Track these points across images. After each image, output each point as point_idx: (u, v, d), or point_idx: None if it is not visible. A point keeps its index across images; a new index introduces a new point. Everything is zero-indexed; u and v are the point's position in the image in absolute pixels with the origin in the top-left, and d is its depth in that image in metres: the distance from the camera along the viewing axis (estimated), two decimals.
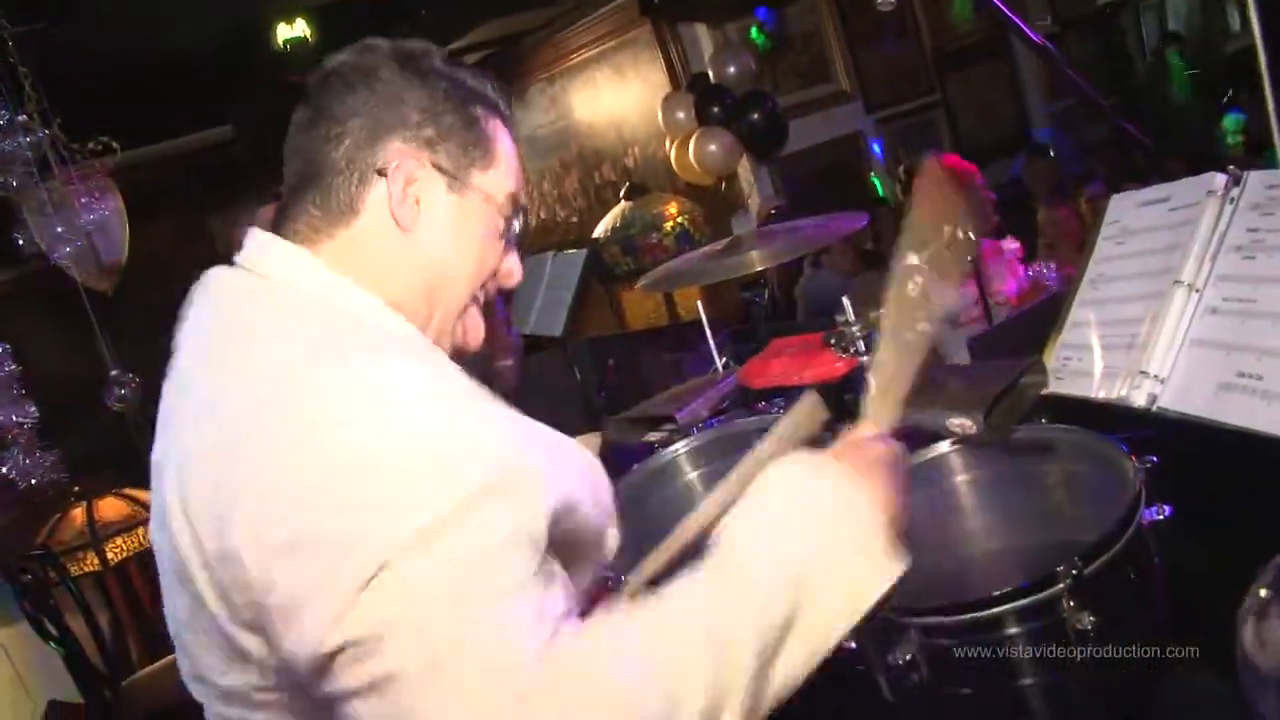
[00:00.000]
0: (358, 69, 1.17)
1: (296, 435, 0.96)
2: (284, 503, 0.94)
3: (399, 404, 0.98)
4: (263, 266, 1.15)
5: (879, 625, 1.39)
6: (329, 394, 0.98)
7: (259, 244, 1.17)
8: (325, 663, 0.92)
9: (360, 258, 1.16)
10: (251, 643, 1.01)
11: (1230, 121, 6.10)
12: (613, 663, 0.94)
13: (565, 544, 1.11)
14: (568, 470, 1.14)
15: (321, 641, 0.91)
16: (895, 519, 1.11)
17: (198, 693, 1.15)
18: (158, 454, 1.11)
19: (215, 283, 1.17)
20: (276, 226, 1.18)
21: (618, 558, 1.41)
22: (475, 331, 1.27)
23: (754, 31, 6.69)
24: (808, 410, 1.30)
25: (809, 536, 1.05)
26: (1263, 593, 0.98)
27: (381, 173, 1.14)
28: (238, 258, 1.17)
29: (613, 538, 1.28)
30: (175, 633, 1.14)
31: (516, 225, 1.25)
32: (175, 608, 1.11)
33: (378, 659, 0.89)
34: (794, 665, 1.02)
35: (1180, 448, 1.53)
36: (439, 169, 1.17)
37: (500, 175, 1.22)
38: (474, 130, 1.19)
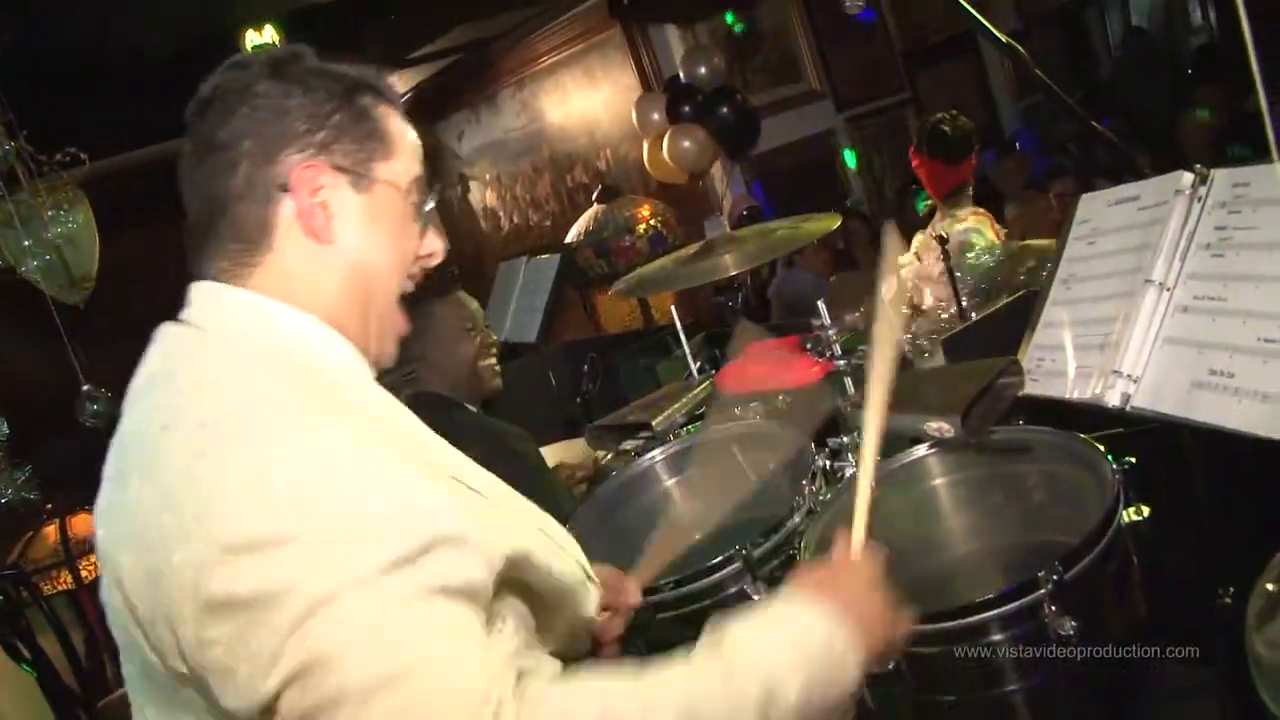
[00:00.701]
0: (232, 90, 1.13)
1: (229, 491, 0.95)
2: (215, 558, 0.93)
3: (335, 464, 0.98)
4: (201, 319, 1.14)
5: None
6: (264, 452, 0.97)
7: (200, 294, 1.15)
8: (268, 707, 0.92)
9: (288, 278, 1.14)
10: (197, 701, 1.01)
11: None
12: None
13: (527, 595, 1.14)
14: (515, 525, 1.15)
15: (257, 690, 0.91)
16: (880, 637, 1.17)
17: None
18: (101, 509, 1.10)
19: (162, 341, 1.15)
20: (200, 272, 1.16)
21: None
22: (403, 322, 1.26)
23: (729, 16, 6.71)
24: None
25: (797, 667, 1.08)
26: (1270, 588, 0.98)
27: (284, 188, 1.12)
28: (183, 313, 1.16)
29: (589, 593, 1.30)
30: (131, 693, 1.15)
31: (427, 203, 1.24)
32: (128, 672, 1.12)
33: (314, 688, 0.90)
34: None
35: (1155, 447, 1.54)
36: (339, 170, 1.14)
37: (402, 160, 1.20)
38: (365, 123, 1.16)
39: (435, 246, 1.27)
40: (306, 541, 0.92)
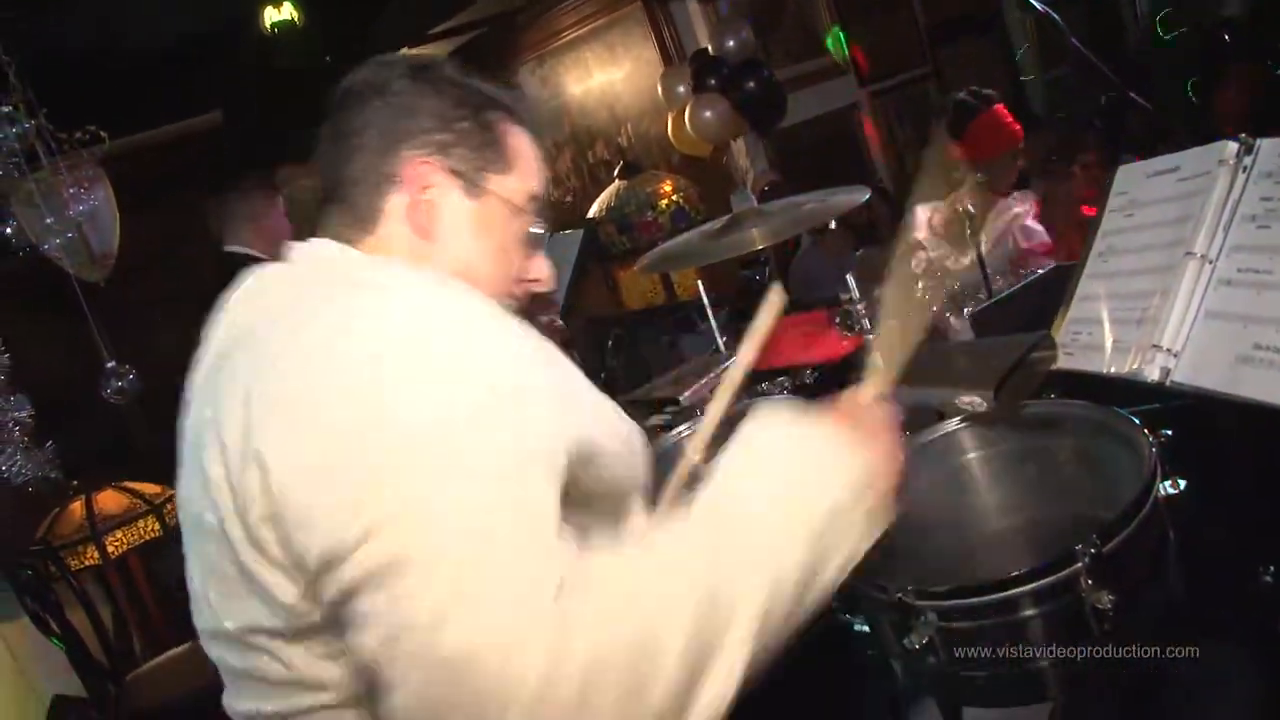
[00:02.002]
0: (371, 83, 1.20)
1: (324, 345, 0.99)
2: (307, 408, 0.95)
3: (440, 320, 1.01)
4: (295, 257, 1.19)
5: (894, 608, 1.37)
6: (357, 312, 1.01)
7: (298, 247, 1.21)
8: (337, 559, 0.91)
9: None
10: (270, 573, 1.00)
11: None
12: (635, 590, 0.93)
13: (587, 497, 1.11)
14: (599, 418, 1.14)
15: (336, 537, 0.91)
16: (891, 482, 1.14)
17: (215, 650, 1.14)
18: (199, 385, 1.14)
19: (254, 276, 1.19)
20: (306, 240, 1.22)
21: None
22: None
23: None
24: (775, 305, 1.35)
25: (815, 489, 1.06)
26: None
27: (397, 180, 1.18)
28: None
29: (638, 511, 1.26)
30: (197, 592, 1.14)
31: (536, 228, 1.26)
32: (198, 561, 1.12)
33: (384, 546, 0.88)
34: (779, 616, 1.00)
35: (1191, 422, 1.51)
36: (453, 173, 1.19)
37: (517, 178, 1.24)
38: (487, 134, 1.21)
39: (543, 273, 1.31)
40: (406, 391, 0.94)
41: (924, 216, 3.69)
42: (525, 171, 1.25)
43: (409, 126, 1.18)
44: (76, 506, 4.51)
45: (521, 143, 1.25)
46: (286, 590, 1.00)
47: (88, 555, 4.44)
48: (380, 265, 1.16)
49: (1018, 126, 3.66)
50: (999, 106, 3.68)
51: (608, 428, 1.15)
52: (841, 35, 6.88)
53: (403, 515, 0.89)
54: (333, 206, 1.21)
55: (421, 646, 0.85)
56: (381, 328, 0.99)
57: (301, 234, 1.24)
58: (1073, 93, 7.21)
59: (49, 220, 4.38)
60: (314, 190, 1.25)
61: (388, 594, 0.88)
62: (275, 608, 1.02)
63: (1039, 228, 3.51)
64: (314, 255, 1.19)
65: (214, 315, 1.18)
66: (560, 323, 2.77)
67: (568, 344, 2.80)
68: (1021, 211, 3.43)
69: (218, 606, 1.09)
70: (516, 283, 1.28)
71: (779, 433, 1.11)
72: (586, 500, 1.11)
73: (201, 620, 1.14)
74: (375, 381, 0.94)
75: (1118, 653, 1.32)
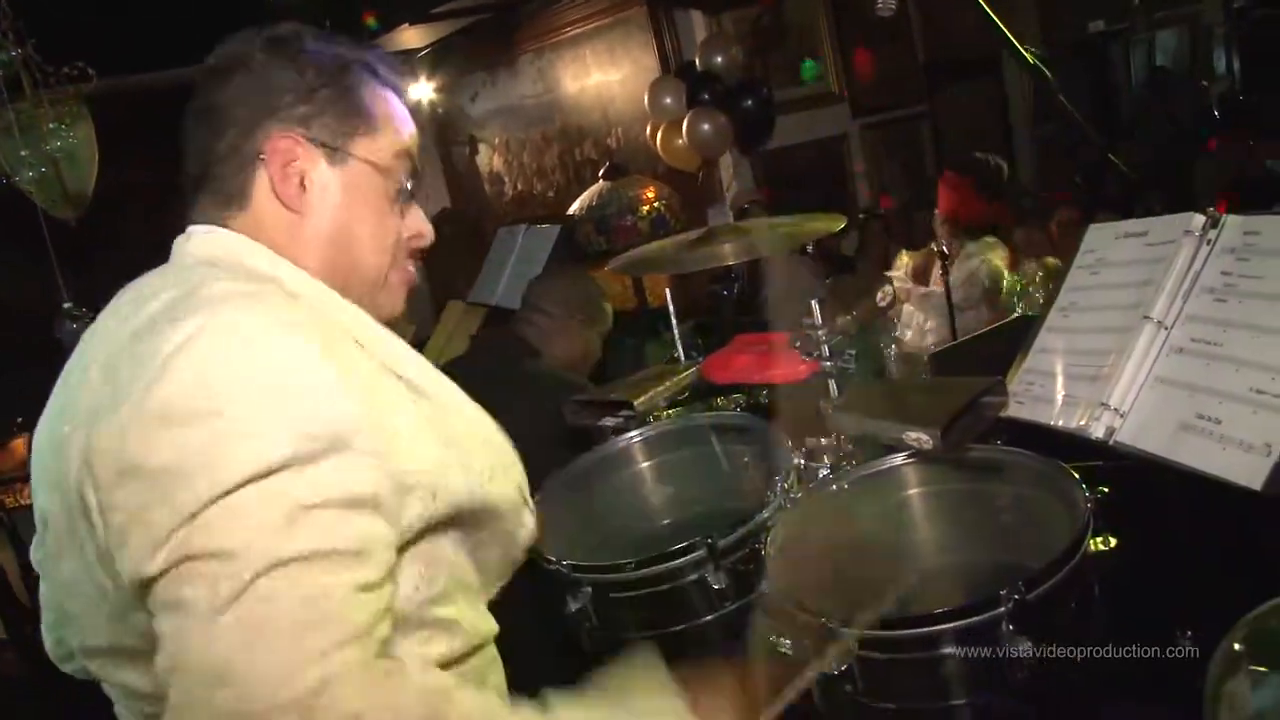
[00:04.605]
0: (232, 59, 1.22)
1: (152, 371, 0.98)
2: (131, 431, 0.95)
3: (257, 351, 1.00)
4: (174, 253, 1.21)
5: (817, 632, 1.38)
6: (196, 330, 1.00)
7: (176, 247, 1.23)
8: (147, 586, 0.93)
9: (263, 238, 1.19)
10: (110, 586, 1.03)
11: None
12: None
13: (461, 527, 1.16)
14: (453, 435, 1.16)
15: (141, 565, 0.93)
16: None
17: (85, 667, 1.18)
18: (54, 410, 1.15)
19: (132, 288, 1.19)
20: (188, 225, 1.23)
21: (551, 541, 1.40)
22: (395, 302, 1.30)
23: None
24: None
25: None
26: (1236, 647, 0.97)
27: (260, 157, 1.19)
28: None
29: (523, 520, 1.30)
30: (58, 606, 1.20)
31: (408, 184, 1.28)
32: (59, 574, 1.15)
33: (186, 584, 0.90)
34: None
35: (1131, 482, 1.53)
36: (316, 143, 1.20)
37: (386, 138, 1.25)
38: (350, 99, 1.22)
39: (419, 228, 1.32)
40: (217, 427, 0.94)
41: (905, 260, 3.76)
42: (391, 130, 1.26)
43: (269, 101, 1.19)
44: (18, 444, 4.45)
45: (385, 102, 1.26)
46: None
47: (24, 495, 4.38)
48: (255, 266, 1.16)
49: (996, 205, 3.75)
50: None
51: (468, 443, 1.18)
52: (814, 65, 6.91)
53: (202, 558, 0.90)
54: (204, 187, 1.22)
55: (195, 689, 0.88)
56: (207, 374, 0.97)
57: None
58: (1060, 148, 7.29)
59: (23, 152, 4.33)
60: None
61: (176, 627, 0.91)
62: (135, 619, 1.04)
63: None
64: (180, 263, 1.20)
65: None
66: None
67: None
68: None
69: (86, 623, 1.13)
70: (401, 245, 1.29)
71: None
72: (474, 521, 1.16)
73: (71, 640, 1.20)
74: (195, 423, 0.94)
75: (1032, 699, 1.33)
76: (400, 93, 1.30)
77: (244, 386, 0.96)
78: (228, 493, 0.91)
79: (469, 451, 1.18)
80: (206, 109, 1.21)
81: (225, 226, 1.20)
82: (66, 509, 1.06)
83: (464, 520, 1.17)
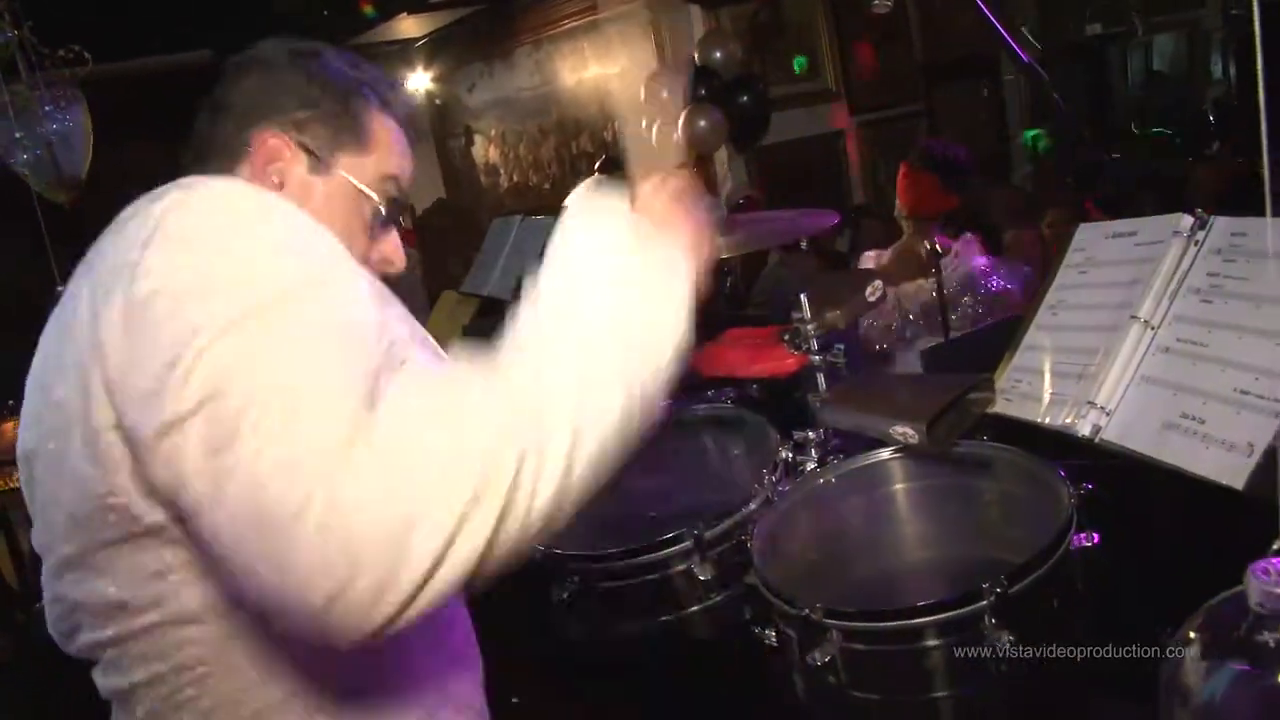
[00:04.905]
0: (255, 59, 1.27)
1: (147, 233, 0.98)
2: (137, 282, 0.95)
3: (245, 201, 1.02)
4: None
5: (802, 624, 1.39)
6: (174, 200, 1.01)
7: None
8: (163, 432, 0.91)
9: None
10: (106, 475, 1.01)
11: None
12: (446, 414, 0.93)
13: None
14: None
15: (171, 404, 0.90)
16: (701, 250, 1.16)
17: (56, 588, 1.15)
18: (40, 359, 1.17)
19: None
20: None
21: None
22: None
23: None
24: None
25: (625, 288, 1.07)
26: (1191, 635, 0.99)
27: (249, 150, 1.23)
28: None
29: None
30: (40, 531, 1.17)
31: (384, 211, 1.30)
32: (43, 498, 1.14)
33: (206, 420, 0.89)
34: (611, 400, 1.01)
35: (1117, 480, 1.55)
36: (303, 149, 1.24)
37: (374, 161, 1.28)
38: (349, 117, 1.26)
39: (391, 254, 1.34)
40: (228, 255, 0.96)
41: (871, 255, 3.75)
42: (383, 156, 1.29)
43: (272, 102, 1.24)
44: (8, 427, 4.44)
45: (386, 129, 1.30)
46: (125, 488, 1.01)
47: (13, 479, 4.38)
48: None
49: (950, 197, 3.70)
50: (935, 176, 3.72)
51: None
52: (803, 60, 6.92)
53: (225, 365, 0.90)
54: (194, 171, 1.22)
55: (238, 462, 0.86)
56: (204, 220, 1.00)
57: None
58: (1055, 150, 7.32)
59: (18, 134, 4.31)
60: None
61: (208, 415, 0.88)
62: (112, 515, 1.03)
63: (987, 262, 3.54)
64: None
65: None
66: None
67: None
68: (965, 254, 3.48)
69: (61, 532, 1.11)
70: (365, 263, 1.29)
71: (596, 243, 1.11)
72: None
73: (49, 559, 1.16)
74: (204, 252, 0.96)
75: (1014, 692, 1.35)
76: (407, 127, 1.34)
77: (242, 221, 0.99)
78: (222, 331, 0.90)
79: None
80: (216, 101, 1.26)
81: None
82: (55, 421, 1.06)
83: None
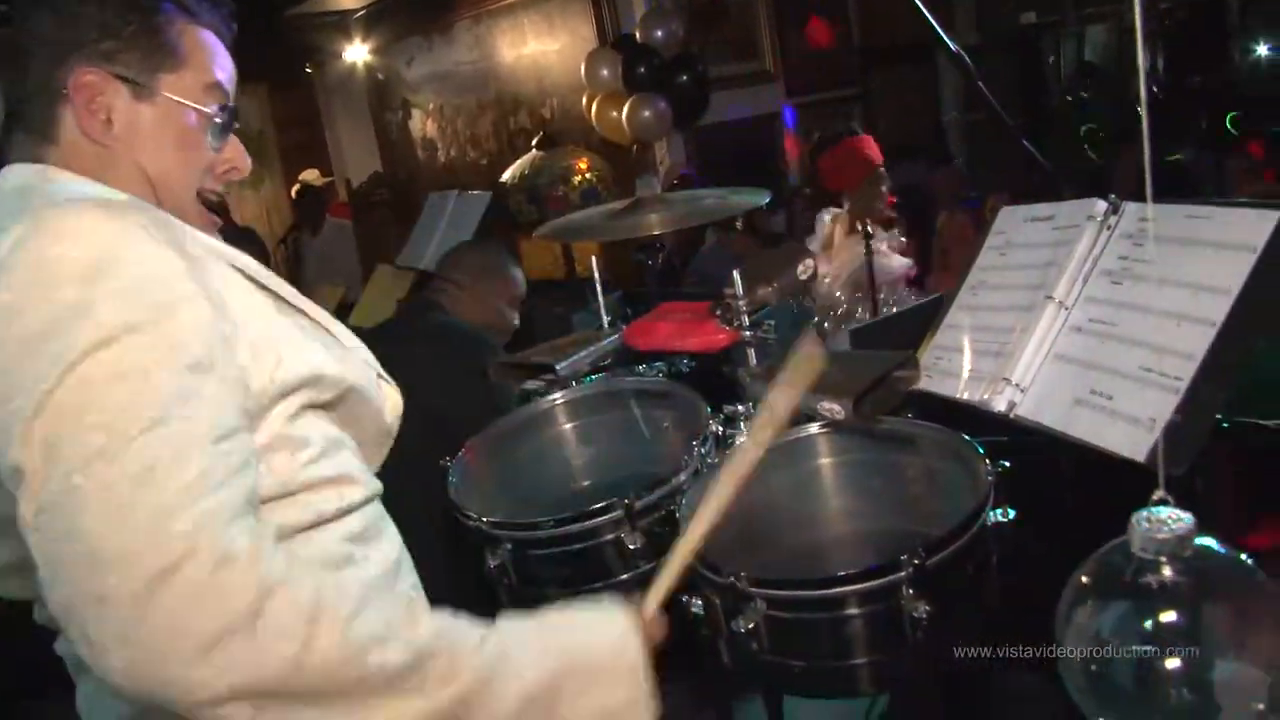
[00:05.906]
0: None
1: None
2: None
3: (83, 236, 1.01)
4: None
5: (727, 592, 1.43)
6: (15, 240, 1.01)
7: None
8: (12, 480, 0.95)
9: (74, 168, 1.21)
10: None
11: None
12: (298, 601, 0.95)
13: (328, 409, 1.21)
14: (295, 334, 1.20)
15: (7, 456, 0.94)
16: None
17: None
18: None
19: None
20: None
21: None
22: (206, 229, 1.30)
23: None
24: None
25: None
26: (1084, 579, 1.05)
27: (66, 92, 1.20)
28: None
29: (381, 392, 1.36)
30: None
31: (219, 119, 1.30)
32: None
33: (42, 476, 0.92)
34: None
35: (1034, 457, 1.60)
36: (121, 79, 1.22)
37: (193, 74, 1.27)
38: (157, 36, 1.24)
39: (236, 162, 1.35)
40: (55, 310, 0.96)
41: (828, 219, 3.79)
42: (202, 66, 1.28)
43: (75, 38, 1.20)
44: None
45: (198, 39, 1.28)
46: None
47: None
48: (67, 185, 1.19)
49: (872, 155, 3.79)
50: (856, 139, 3.82)
51: (306, 332, 1.23)
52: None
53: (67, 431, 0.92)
54: (16, 125, 1.23)
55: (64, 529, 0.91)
56: (60, 266, 0.99)
57: None
58: (986, 138, 7.44)
59: None
60: None
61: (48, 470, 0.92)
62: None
63: (898, 260, 3.63)
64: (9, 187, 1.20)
65: None
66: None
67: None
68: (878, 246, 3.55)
69: None
70: (211, 173, 1.31)
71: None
72: (340, 403, 1.23)
73: None
74: (30, 311, 0.97)
75: (930, 660, 1.40)
76: (220, 29, 1.32)
77: (74, 268, 0.98)
78: (74, 365, 0.93)
79: (309, 332, 1.23)
80: (14, 45, 1.22)
81: (40, 162, 1.22)
82: None
83: (322, 390, 1.20)
